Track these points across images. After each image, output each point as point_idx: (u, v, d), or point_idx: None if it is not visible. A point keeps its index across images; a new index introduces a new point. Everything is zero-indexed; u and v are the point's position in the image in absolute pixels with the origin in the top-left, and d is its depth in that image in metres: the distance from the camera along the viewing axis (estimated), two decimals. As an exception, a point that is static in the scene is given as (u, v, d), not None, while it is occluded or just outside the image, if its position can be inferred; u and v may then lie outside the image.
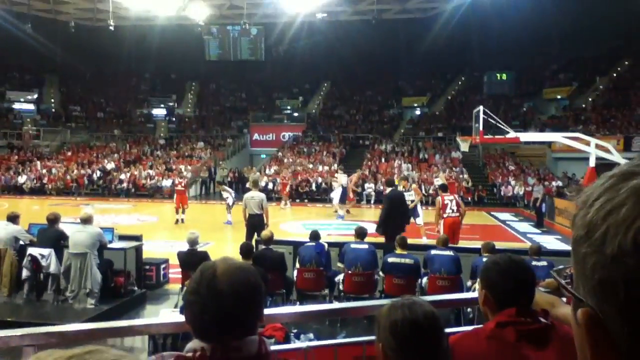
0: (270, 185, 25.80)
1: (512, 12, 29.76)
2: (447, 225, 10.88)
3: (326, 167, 28.29)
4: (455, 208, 11.09)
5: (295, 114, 38.59)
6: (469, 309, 6.66)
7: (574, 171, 23.70)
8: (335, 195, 19.44)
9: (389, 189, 10.95)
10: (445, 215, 10.99)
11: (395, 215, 9.88)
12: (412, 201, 13.11)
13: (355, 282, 7.35)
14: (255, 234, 10.28)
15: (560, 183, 23.35)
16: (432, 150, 30.03)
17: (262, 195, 10.97)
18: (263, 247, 7.58)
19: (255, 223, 10.51)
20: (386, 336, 1.58)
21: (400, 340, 1.56)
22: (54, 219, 7.93)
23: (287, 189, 23.72)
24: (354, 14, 33.91)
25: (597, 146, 14.08)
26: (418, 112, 38.65)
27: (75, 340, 2.21)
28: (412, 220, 13.05)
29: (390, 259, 7.27)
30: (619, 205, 0.48)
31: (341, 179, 20.03)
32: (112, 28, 29.00)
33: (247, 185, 17.56)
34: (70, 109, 39.10)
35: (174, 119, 39.45)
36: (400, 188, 12.87)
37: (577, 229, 0.53)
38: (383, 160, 29.40)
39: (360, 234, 7.88)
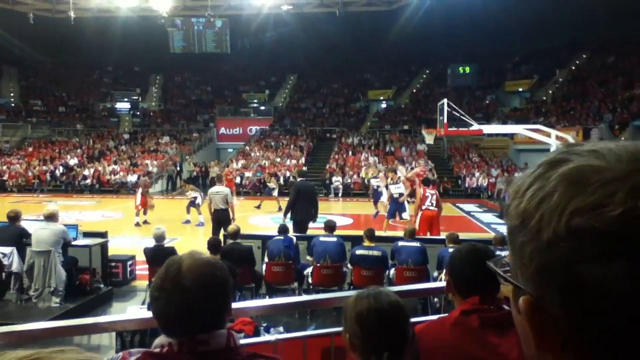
0: (238, 180, 25.64)
1: (476, 4, 30.22)
2: (425, 218, 11.04)
3: (293, 161, 28.25)
4: (434, 202, 11.29)
5: (262, 108, 38.41)
6: (435, 299, 6.78)
7: (535, 162, 24.22)
8: (384, 198, 15.15)
9: (299, 179, 11.49)
10: (423, 208, 11.15)
11: (302, 204, 10.19)
12: (401, 194, 13.12)
13: (324, 275, 7.39)
14: (222, 228, 10.24)
15: (522, 174, 23.87)
16: (398, 143, 30.31)
17: (227, 190, 10.97)
18: (231, 241, 7.55)
19: (220, 218, 10.52)
20: (353, 326, 1.61)
21: (366, 329, 1.59)
22: (14, 217, 7.74)
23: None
24: (319, 6, 33.86)
25: (558, 137, 14.42)
26: (384, 105, 38.93)
27: (39, 339, 2.18)
28: (398, 214, 13.23)
29: (358, 251, 7.33)
30: (550, 193, 0.50)
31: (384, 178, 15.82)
32: (72, 19, 28.28)
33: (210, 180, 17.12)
34: (31, 103, 37.99)
35: (138, 112, 38.74)
36: (388, 181, 13.08)
37: (512, 219, 0.55)
38: (350, 153, 29.55)
39: (330, 227, 7.93)
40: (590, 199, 0.47)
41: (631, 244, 0.44)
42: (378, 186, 13.08)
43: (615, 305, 0.45)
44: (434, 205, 11.26)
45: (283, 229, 7.91)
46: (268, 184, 21.38)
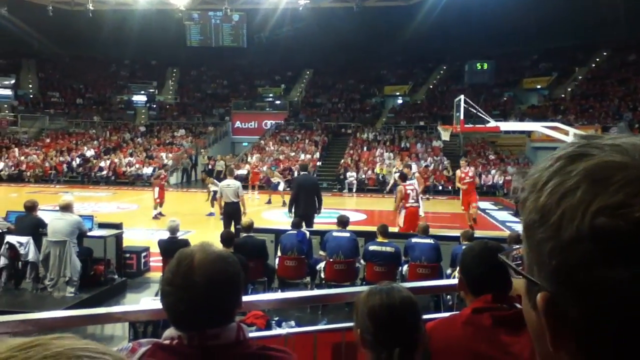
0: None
1: (494, 1, 29.92)
2: (410, 215, 10.98)
3: (308, 156, 28.26)
4: (416, 198, 11.29)
5: (277, 102, 38.39)
6: (448, 296, 6.75)
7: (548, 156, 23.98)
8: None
9: (301, 173, 11.33)
10: (408, 205, 11.09)
11: (304, 199, 10.13)
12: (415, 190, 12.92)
13: (337, 270, 7.40)
14: (233, 221, 10.39)
15: (537, 166, 23.62)
16: (413, 139, 30.17)
17: (238, 184, 11.01)
18: (244, 234, 7.58)
19: (231, 211, 10.56)
20: (364, 321, 1.60)
21: (377, 324, 1.58)
22: (31, 207, 7.84)
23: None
24: (337, 1, 33.83)
25: (576, 136, 14.29)
26: (400, 100, 38.73)
27: (53, 328, 2.20)
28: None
29: (372, 247, 7.32)
30: (572, 189, 0.48)
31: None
32: (90, 13, 28.52)
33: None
34: (49, 95, 38.39)
35: (154, 105, 38.94)
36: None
37: (530, 213, 0.53)
38: (365, 149, 29.47)
39: (343, 222, 7.93)
40: (615, 197, 0.46)
41: None
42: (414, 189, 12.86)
43: (634, 310, 0.44)
44: (416, 200, 11.32)
45: (296, 224, 7.93)
46: (271, 179, 21.53)
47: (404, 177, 11.90)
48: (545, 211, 0.50)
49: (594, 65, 33.40)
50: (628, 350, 0.46)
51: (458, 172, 14.12)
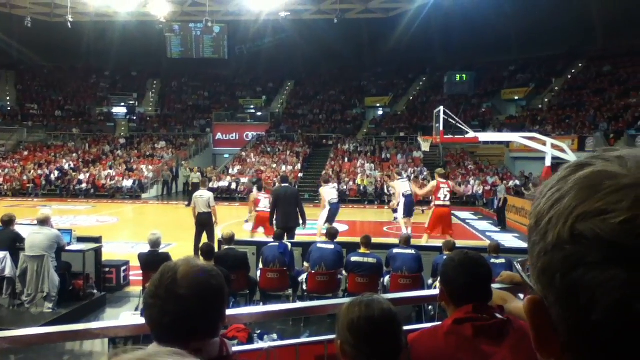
0: (234, 186, 25.63)
1: (473, 13, 30.40)
2: (439, 216, 11.27)
3: (289, 167, 28.26)
4: (447, 199, 11.48)
5: (259, 113, 38.40)
6: (430, 306, 6.78)
7: (531, 170, 24.32)
8: (399, 209, 14.07)
9: (282, 185, 11.35)
10: (438, 204, 11.39)
11: (285, 210, 10.23)
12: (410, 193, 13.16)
13: (319, 282, 7.38)
14: (205, 232, 10.59)
15: (517, 182, 23.93)
16: (394, 150, 30.36)
17: (210, 194, 11.09)
18: (226, 246, 7.53)
19: (203, 221, 10.67)
20: (344, 333, 1.61)
21: (357, 337, 1.58)
22: (9, 221, 7.70)
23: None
24: (317, 12, 34.05)
25: (553, 146, 14.49)
26: (380, 112, 38.99)
27: (30, 345, 2.16)
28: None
29: (354, 258, 7.33)
30: (563, 196, 0.51)
31: (399, 186, 14.32)
32: (70, 24, 28.30)
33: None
34: (27, 107, 37.86)
35: (135, 117, 38.65)
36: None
37: (530, 219, 0.56)
38: (346, 159, 29.57)
39: (331, 234, 7.94)
40: (598, 204, 0.47)
41: (628, 253, 0.44)
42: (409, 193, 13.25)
43: (608, 312, 0.45)
44: (447, 201, 11.56)
45: (278, 236, 7.91)
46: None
47: (444, 176, 11.96)
48: (539, 217, 0.53)
49: (570, 76, 34.00)
50: (606, 353, 0.47)
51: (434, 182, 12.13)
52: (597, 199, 0.48)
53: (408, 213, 13.25)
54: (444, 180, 11.91)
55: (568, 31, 31.66)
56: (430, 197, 12.64)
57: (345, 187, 25.53)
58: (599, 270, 0.46)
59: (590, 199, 0.48)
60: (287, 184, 11.49)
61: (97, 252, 8.51)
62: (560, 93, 32.81)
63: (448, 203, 11.56)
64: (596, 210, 0.47)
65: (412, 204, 13.34)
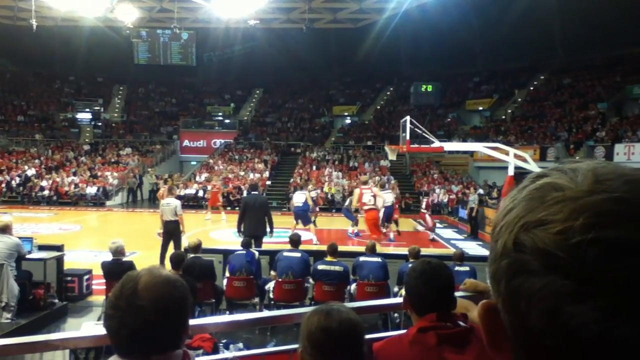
0: (201, 193, 25.38)
1: (441, 25, 30.95)
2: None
3: (257, 175, 28.15)
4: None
5: (227, 121, 38.17)
6: (395, 314, 6.84)
7: (494, 179, 24.80)
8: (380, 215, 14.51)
9: (251, 193, 11.57)
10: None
11: (253, 218, 10.34)
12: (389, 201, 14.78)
13: (286, 290, 7.37)
14: (172, 240, 10.50)
15: (481, 191, 24.36)
16: (361, 159, 30.57)
17: (177, 202, 10.99)
18: (192, 255, 7.45)
19: (170, 230, 10.57)
20: (304, 343, 1.62)
21: (315, 347, 1.59)
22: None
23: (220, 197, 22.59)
24: (287, 22, 34.13)
25: (516, 156, 14.78)
26: (348, 120, 39.24)
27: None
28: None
29: (320, 266, 7.35)
30: (515, 205, 0.54)
31: (384, 197, 14.57)
32: (34, 28, 27.68)
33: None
34: (-13, 112, 36.77)
35: (100, 123, 37.87)
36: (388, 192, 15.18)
37: (492, 226, 0.59)
38: (314, 167, 29.62)
39: (294, 241, 7.90)
40: (539, 215, 0.49)
41: (561, 261, 0.46)
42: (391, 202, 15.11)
43: (541, 318, 0.47)
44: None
45: (246, 244, 7.87)
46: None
47: (365, 183, 14.26)
48: (495, 225, 0.56)
49: (532, 88, 34.88)
50: (545, 356, 0.49)
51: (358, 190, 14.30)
52: (540, 209, 0.50)
53: (387, 220, 15.12)
54: (367, 187, 13.98)
55: (531, 45, 32.53)
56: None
57: (313, 195, 25.52)
58: (537, 278, 0.48)
59: (535, 209, 0.50)
60: (256, 192, 11.47)
61: (59, 260, 8.31)
62: (522, 104, 33.62)
63: (374, 206, 13.13)
64: (538, 221, 0.49)
65: (391, 214, 15.17)
